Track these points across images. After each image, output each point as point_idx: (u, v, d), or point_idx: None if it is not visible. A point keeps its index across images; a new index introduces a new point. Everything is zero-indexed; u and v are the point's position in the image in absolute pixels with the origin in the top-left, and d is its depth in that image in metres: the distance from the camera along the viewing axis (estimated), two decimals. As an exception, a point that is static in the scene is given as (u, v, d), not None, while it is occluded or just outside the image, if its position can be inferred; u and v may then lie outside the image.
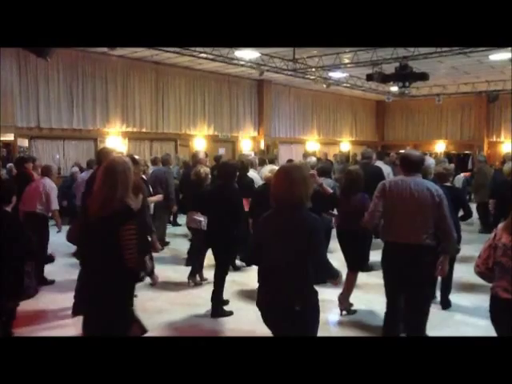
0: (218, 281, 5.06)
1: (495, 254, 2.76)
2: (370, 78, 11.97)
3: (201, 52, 11.25)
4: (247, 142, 16.26)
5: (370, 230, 4.51)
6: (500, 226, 2.83)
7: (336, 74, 14.83)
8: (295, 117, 18.21)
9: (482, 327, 4.38)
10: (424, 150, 17.56)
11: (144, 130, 13.46)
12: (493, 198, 7.33)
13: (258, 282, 2.91)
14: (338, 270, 2.81)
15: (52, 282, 6.11)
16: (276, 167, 6.20)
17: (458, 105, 19.37)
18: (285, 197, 2.69)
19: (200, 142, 14.78)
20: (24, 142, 10.99)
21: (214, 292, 5.04)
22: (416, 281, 3.56)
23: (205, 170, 6.22)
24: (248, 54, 11.87)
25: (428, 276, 3.66)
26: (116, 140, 12.69)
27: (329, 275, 2.78)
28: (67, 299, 4.98)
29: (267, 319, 2.80)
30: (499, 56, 12.13)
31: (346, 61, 13.09)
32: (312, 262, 2.67)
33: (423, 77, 11.35)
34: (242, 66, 12.93)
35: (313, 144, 18.60)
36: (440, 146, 19.20)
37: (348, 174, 5.14)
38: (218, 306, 5.06)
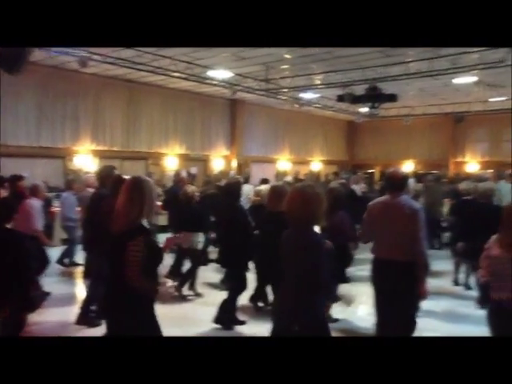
0: (231, 296, 5.14)
1: (490, 264, 3.07)
2: (340, 98, 12.21)
3: (174, 71, 11.25)
4: (219, 161, 16.24)
5: (350, 246, 4.63)
6: (492, 238, 3.13)
7: (307, 95, 15.05)
8: (267, 136, 18.35)
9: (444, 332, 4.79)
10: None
11: (115, 148, 13.28)
12: (453, 215, 7.25)
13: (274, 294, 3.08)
14: (336, 296, 2.89)
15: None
16: (263, 188, 6.22)
17: (426, 125, 19.90)
18: (299, 215, 2.81)
19: (171, 160, 14.68)
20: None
21: (223, 304, 5.12)
22: (401, 295, 3.67)
23: (192, 189, 6.45)
24: (221, 74, 11.95)
25: (413, 291, 3.74)
26: (85, 158, 12.46)
27: (327, 297, 2.91)
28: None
29: (279, 327, 2.90)
30: (463, 80, 12.58)
31: (318, 82, 13.32)
32: (317, 279, 2.76)
33: (392, 98, 11.65)
34: (215, 85, 12.99)
35: (284, 163, 18.73)
36: (408, 166, 19.60)
37: (330, 193, 5.18)
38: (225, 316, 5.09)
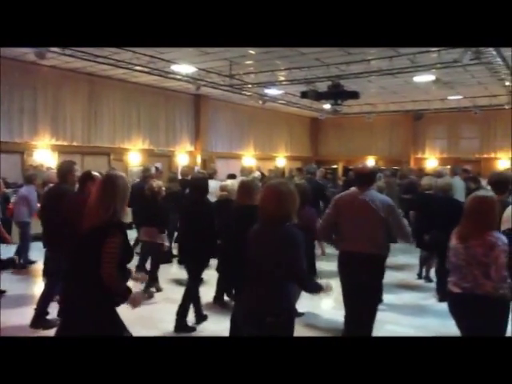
0: (189, 294, 5.05)
1: (449, 254, 3.22)
2: (304, 95, 12.32)
3: (136, 65, 11.07)
4: (184, 157, 16.12)
5: (322, 241, 4.62)
6: (454, 231, 3.28)
7: (272, 91, 15.12)
8: (232, 132, 18.34)
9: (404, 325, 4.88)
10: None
11: (75, 143, 12.96)
12: (412, 209, 7.45)
13: (236, 293, 3.01)
14: (319, 284, 2.93)
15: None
16: (230, 183, 6.19)
17: (387, 123, 20.37)
18: (273, 212, 2.79)
19: (135, 156, 14.46)
20: None
21: (181, 306, 4.99)
22: (366, 287, 3.74)
23: (158, 184, 6.32)
24: (184, 69, 11.85)
25: (377, 282, 3.87)
26: (45, 153, 12.12)
27: (311, 289, 2.91)
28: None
29: (243, 330, 2.92)
30: (423, 78, 12.94)
31: (282, 78, 13.40)
32: (293, 276, 2.77)
33: (354, 95, 11.85)
34: (179, 80, 12.87)
35: (249, 159, 18.77)
36: (370, 162, 20.02)
37: (296, 188, 5.22)
38: (183, 320, 4.99)
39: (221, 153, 17.58)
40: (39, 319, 4.96)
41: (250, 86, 13.79)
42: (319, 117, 19.80)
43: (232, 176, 9.25)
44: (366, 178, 3.85)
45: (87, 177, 4.64)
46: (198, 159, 16.39)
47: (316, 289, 2.89)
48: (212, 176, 8.77)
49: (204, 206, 5.11)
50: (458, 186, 8.22)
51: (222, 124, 17.83)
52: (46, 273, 5.75)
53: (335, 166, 21.09)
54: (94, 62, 10.66)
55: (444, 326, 4.59)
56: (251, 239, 2.96)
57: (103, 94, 13.54)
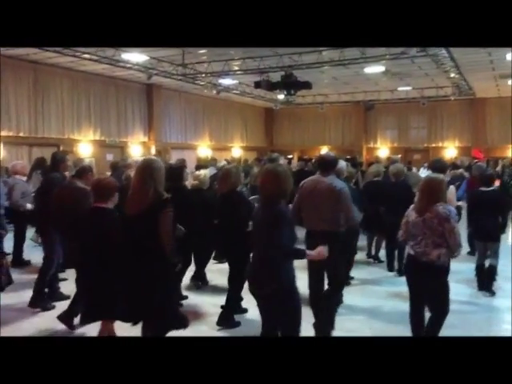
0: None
1: (408, 227, 3.83)
2: (257, 85, 12.35)
3: (84, 53, 10.72)
4: (137, 148, 15.82)
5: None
6: (410, 207, 3.90)
7: (226, 81, 15.06)
8: (186, 122, 18.14)
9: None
10: (310, 155, 18.54)
11: (21, 134, 12.44)
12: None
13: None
14: (300, 249, 3.20)
15: None
16: (202, 173, 6.15)
17: (340, 113, 20.74)
18: (272, 191, 3.07)
19: (86, 147, 14.05)
20: None
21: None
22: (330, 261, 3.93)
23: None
24: (135, 57, 11.59)
25: (335, 256, 4.05)
26: (-11, 145, 11.58)
27: (294, 255, 3.14)
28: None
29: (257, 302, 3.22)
30: (373, 69, 13.23)
31: (235, 68, 13.36)
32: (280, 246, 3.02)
33: (306, 85, 11.98)
34: (130, 68, 12.58)
35: (204, 149, 18.65)
36: (324, 152, 20.34)
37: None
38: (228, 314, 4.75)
39: (175, 143, 17.38)
40: (37, 299, 5.16)
41: (203, 75, 13.67)
42: (273, 107, 19.91)
43: (201, 166, 9.36)
44: (327, 164, 4.26)
45: (88, 169, 5.08)
46: (153, 150, 16.11)
47: (298, 254, 3.14)
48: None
49: (182, 192, 5.09)
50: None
51: (176, 114, 17.59)
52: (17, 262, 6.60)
53: (290, 156, 21.29)
54: (39, 49, 10.24)
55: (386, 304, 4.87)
56: (254, 217, 3.27)
57: (49, 82, 13.03)
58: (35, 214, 5.71)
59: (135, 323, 3.35)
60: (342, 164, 5.10)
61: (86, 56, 10.98)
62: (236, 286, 4.64)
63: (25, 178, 6.96)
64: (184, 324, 3.36)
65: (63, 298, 5.47)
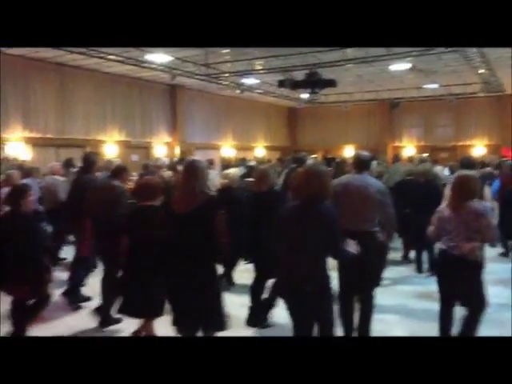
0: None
1: (441, 223, 3.83)
2: (281, 84, 12.25)
3: (109, 54, 10.82)
4: (161, 148, 15.92)
5: None
6: (443, 204, 3.99)
7: (249, 81, 15.01)
8: (209, 122, 18.17)
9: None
10: (334, 155, 18.35)
11: (49, 135, 12.64)
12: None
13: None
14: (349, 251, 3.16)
15: None
16: (231, 172, 6.19)
17: (364, 112, 20.47)
18: (315, 190, 3.07)
19: (111, 148, 14.20)
20: None
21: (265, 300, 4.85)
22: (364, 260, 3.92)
23: (169, 174, 6.47)
24: (159, 58, 11.64)
25: (370, 256, 4.08)
26: (17, 146, 11.79)
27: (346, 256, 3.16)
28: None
29: (286, 303, 3.22)
30: (399, 66, 12.99)
31: (259, 67, 13.30)
32: (329, 248, 3.07)
33: (331, 83, 11.83)
34: (154, 69, 12.65)
35: (228, 149, 18.66)
36: (348, 152, 20.11)
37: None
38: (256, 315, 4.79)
39: (199, 143, 17.41)
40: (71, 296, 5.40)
41: (226, 75, 13.65)
42: (297, 106, 19.78)
43: (230, 166, 9.51)
44: (363, 163, 4.23)
45: (124, 168, 5.13)
46: (177, 150, 16.20)
47: (345, 252, 3.13)
48: (210, 166, 8.87)
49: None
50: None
51: (199, 114, 17.64)
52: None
53: (315, 156, 21.10)
54: (65, 51, 10.37)
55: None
56: (288, 217, 3.22)
57: (75, 84, 13.20)
58: (69, 214, 5.79)
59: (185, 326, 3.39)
60: (373, 163, 5.10)
61: (112, 57, 11.08)
62: (262, 282, 4.68)
63: (63, 179, 7.07)
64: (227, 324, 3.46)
65: (85, 299, 5.57)
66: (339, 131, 21.07)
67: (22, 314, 4.17)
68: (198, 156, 16.83)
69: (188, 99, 16.93)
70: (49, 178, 6.83)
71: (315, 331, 3.17)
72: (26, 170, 7.96)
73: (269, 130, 21.41)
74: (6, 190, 5.60)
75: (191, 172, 3.36)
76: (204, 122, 17.89)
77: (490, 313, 3.92)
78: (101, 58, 11.02)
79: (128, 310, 3.86)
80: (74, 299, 5.45)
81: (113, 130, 14.41)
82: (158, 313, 3.81)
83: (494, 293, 4.30)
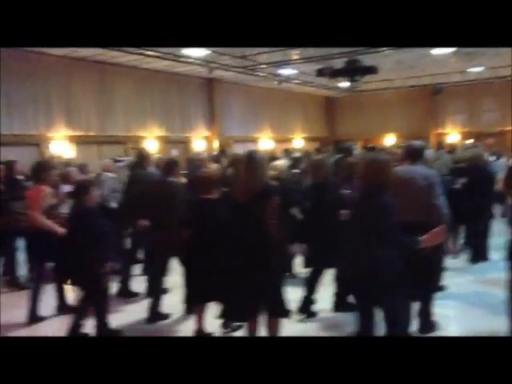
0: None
1: None
2: (320, 73, 12.01)
3: (147, 50, 10.89)
4: (200, 143, 15.98)
5: None
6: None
7: (286, 71, 14.82)
8: (247, 115, 18.09)
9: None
10: (375, 144, 17.92)
11: (91, 133, 12.90)
12: None
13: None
14: (413, 238, 3.15)
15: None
16: (280, 163, 6.22)
17: (405, 98, 19.87)
18: (376, 181, 3.08)
19: (151, 143, 14.36)
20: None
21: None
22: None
23: (213, 168, 6.36)
24: (196, 52, 11.63)
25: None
26: (61, 145, 12.08)
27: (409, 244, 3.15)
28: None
29: (354, 290, 3.27)
30: (441, 50, 12.47)
31: (296, 57, 13.08)
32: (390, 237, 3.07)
33: (372, 70, 11.50)
34: (191, 63, 12.66)
35: (266, 142, 18.55)
36: (389, 140, 19.62)
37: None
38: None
39: (237, 136, 17.37)
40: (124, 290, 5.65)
41: (263, 66, 13.50)
42: (335, 95, 19.42)
43: (276, 158, 9.48)
44: (417, 152, 4.19)
45: (176, 163, 5.18)
46: (215, 144, 16.23)
47: (413, 243, 3.10)
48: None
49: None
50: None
51: (237, 107, 17.58)
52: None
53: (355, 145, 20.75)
54: (105, 49, 10.49)
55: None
56: (355, 208, 3.26)
57: (115, 82, 13.39)
58: (122, 210, 5.94)
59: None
60: (428, 152, 5.02)
61: (150, 53, 11.15)
62: (319, 274, 4.73)
63: (115, 175, 7.16)
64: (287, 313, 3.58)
65: (133, 295, 5.70)
66: (379, 119, 20.55)
67: (83, 307, 4.30)
68: (237, 149, 16.90)
69: (225, 92, 16.91)
70: (103, 174, 6.93)
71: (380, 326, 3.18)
72: (80, 167, 8.11)
73: (306, 120, 21.15)
74: (66, 187, 5.71)
75: (251, 163, 3.51)
76: (241, 114, 17.84)
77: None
78: (140, 54, 11.11)
79: (192, 299, 4.10)
80: (125, 294, 5.65)
81: (152, 126, 14.57)
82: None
83: None
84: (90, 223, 4.13)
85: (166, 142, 14.89)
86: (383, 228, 3.05)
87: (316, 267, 4.74)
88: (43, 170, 5.19)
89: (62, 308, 5.27)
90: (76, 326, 4.26)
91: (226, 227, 3.61)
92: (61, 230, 4.68)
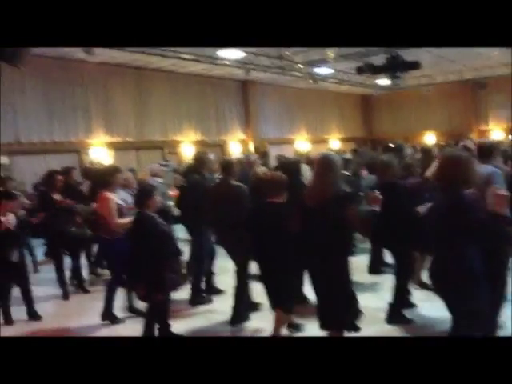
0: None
1: None
2: (360, 70, 11.64)
3: (183, 53, 10.80)
4: (236, 146, 15.83)
5: None
6: None
7: (322, 70, 14.51)
8: (282, 117, 17.85)
9: None
10: (414, 143, 17.35)
11: (129, 139, 12.93)
12: None
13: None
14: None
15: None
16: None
17: (445, 94, 19.18)
18: (457, 178, 2.95)
19: (188, 148, 14.30)
20: (4, 160, 10.29)
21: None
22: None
23: (263, 170, 6.32)
24: (232, 53, 11.47)
25: None
26: (100, 151, 12.13)
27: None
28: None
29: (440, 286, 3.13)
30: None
31: (332, 55, 12.75)
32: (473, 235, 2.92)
33: (415, 66, 11.06)
34: (228, 65, 12.51)
35: (302, 143, 18.25)
36: (430, 138, 18.98)
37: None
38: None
39: (273, 139, 17.15)
40: (195, 296, 5.55)
41: (300, 65, 13.23)
42: (374, 93, 18.94)
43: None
44: (483, 151, 4.09)
45: (236, 165, 5.15)
46: (251, 147, 16.05)
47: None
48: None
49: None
50: None
51: (272, 109, 17.37)
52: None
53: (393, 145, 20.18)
54: (142, 53, 10.46)
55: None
56: (433, 207, 3.18)
57: (151, 87, 13.42)
58: (183, 213, 5.91)
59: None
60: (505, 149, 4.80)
61: (187, 56, 11.06)
62: (404, 279, 4.53)
63: (162, 180, 7.11)
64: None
65: (219, 292, 5.75)
66: (418, 117, 19.92)
67: (152, 315, 4.28)
68: (273, 152, 16.69)
69: (260, 94, 16.73)
70: (150, 179, 6.86)
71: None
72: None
73: (342, 120, 20.73)
74: (122, 192, 5.60)
75: (324, 166, 3.39)
76: (277, 116, 17.61)
77: None
78: (176, 57, 11.03)
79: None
80: (200, 298, 5.61)
81: (189, 130, 14.52)
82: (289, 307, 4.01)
83: None
84: (154, 228, 4.08)
85: (202, 145, 14.79)
86: (469, 225, 2.91)
87: (401, 272, 4.54)
88: (109, 174, 5.18)
89: (132, 310, 5.36)
90: (149, 329, 4.26)
91: (295, 232, 3.53)
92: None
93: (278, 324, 4.06)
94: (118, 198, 5.08)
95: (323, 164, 3.44)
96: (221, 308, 5.16)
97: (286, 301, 4.02)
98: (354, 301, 3.39)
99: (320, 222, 3.28)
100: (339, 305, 3.32)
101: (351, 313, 3.38)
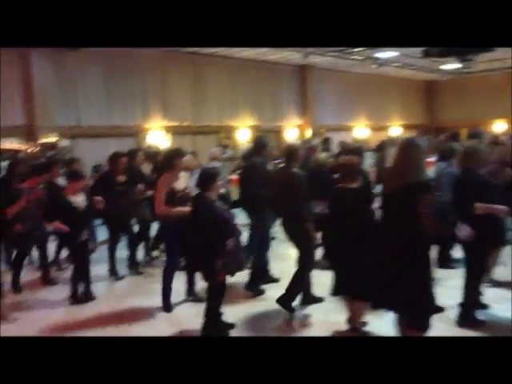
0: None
1: None
2: (427, 53, 10.95)
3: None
4: (292, 132, 15.52)
5: None
6: None
7: (384, 54, 13.84)
8: (340, 103, 17.29)
9: None
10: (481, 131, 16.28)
11: (185, 123, 12.97)
12: None
13: None
14: None
15: None
16: None
17: (518, 80, 17.84)
18: None
19: (244, 133, 14.17)
20: (65, 143, 10.62)
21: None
22: None
23: (324, 156, 6.46)
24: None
25: None
26: (158, 135, 12.25)
27: None
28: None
29: None
30: None
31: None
32: None
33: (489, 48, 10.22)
34: (285, 50, 12.19)
35: (361, 130, 17.65)
36: (499, 126, 17.78)
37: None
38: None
39: (331, 125, 16.66)
40: (253, 282, 5.55)
41: (361, 49, 12.66)
42: (438, 78, 17.95)
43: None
44: None
45: (297, 149, 5.02)
46: (308, 133, 15.68)
47: None
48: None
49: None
50: None
51: (330, 94, 16.85)
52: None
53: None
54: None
55: None
56: None
57: (208, 72, 13.36)
58: (243, 196, 5.86)
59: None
60: None
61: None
62: (475, 278, 4.22)
63: (221, 164, 7.16)
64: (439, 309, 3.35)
65: (274, 280, 5.72)
66: (486, 104, 18.68)
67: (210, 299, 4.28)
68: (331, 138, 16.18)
69: (318, 79, 16.27)
70: (212, 163, 6.83)
71: None
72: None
73: (404, 107, 19.85)
74: (184, 174, 5.53)
75: (404, 152, 3.22)
76: (335, 102, 17.09)
77: None
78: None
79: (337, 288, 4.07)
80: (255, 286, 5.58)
81: (244, 115, 14.37)
82: (364, 295, 3.76)
83: None
84: (212, 212, 4.03)
85: (258, 131, 14.59)
86: None
87: (471, 270, 4.21)
88: (173, 156, 5.12)
89: (191, 294, 5.37)
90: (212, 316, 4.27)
91: (370, 219, 3.50)
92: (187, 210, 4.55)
93: (357, 314, 4.00)
94: (180, 181, 5.03)
95: (402, 149, 3.27)
96: (275, 296, 5.02)
97: (359, 288, 3.85)
98: (425, 294, 3.21)
99: (394, 210, 3.15)
100: (424, 300, 3.16)
101: (420, 309, 3.21)
